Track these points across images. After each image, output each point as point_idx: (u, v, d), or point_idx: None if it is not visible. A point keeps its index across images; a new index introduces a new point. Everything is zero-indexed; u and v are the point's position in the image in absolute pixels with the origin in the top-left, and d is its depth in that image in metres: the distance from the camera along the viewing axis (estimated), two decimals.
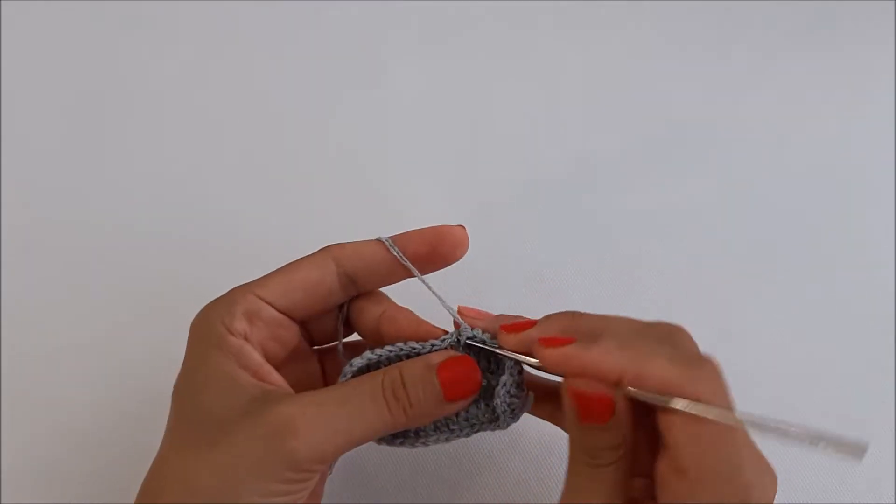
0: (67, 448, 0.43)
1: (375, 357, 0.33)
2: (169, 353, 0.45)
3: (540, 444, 0.42)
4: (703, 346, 0.46)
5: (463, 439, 0.34)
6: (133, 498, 0.43)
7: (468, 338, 0.33)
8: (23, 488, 0.43)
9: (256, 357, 0.32)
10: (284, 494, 0.29)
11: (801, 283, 0.48)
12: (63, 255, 0.48)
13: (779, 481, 0.44)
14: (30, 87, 0.54)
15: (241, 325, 0.32)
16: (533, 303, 0.46)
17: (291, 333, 0.34)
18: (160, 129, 0.53)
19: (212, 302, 0.33)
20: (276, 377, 0.32)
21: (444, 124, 0.53)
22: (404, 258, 0.33)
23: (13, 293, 0.47)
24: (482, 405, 0.33)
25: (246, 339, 0.32)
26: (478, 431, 0.34)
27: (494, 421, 0.33)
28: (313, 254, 0.34)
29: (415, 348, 0.33)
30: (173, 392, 0.33)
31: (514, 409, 0.33)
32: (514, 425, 0.34)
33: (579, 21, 0.57)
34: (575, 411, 0.29)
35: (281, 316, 0.33)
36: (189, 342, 0.33)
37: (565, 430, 0.33)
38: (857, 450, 0.27)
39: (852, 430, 0.44)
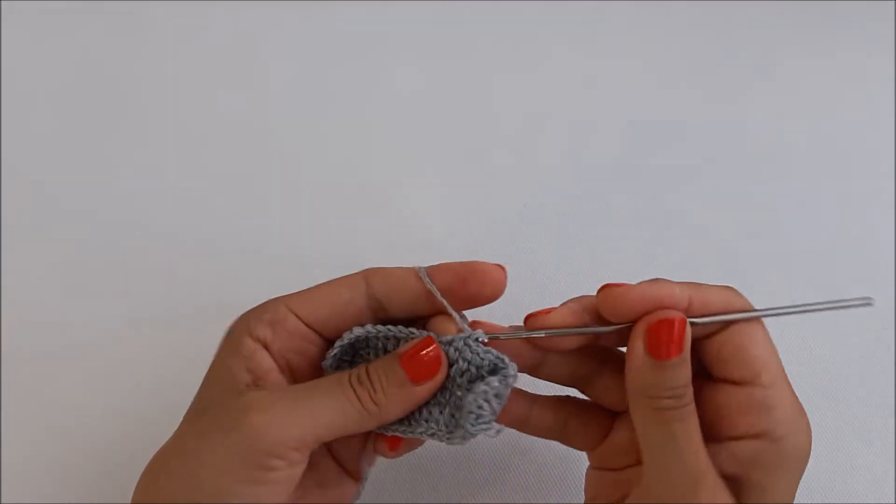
0: (67, 448, 0.43)
1: (375, 331, 0.32)
2: (169, 351, 0.46)
3: (547, 448, 0.42)
4: None
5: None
6: (130, 497, 0.43)
7: (474, 339, 0.32)
8: (23, 488, 0.43)
9: (266, 363, 0.32)
10: (254, 483, 0.29)
11: (801, 283, 0.48)
12: (63, 254, 0.48)
13: None
14: (30, 87, 0.54)
15: (263, 331, 0.32)
16: (529, 302, 0.46)
17: (318, 349, 0.34)
18: (161, 128, 0.53)
19: (252, 308, 0.33)
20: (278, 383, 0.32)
21: (445, 125, 0.53)
22: (434, 289, 0.32)
23: (13, 293, 0.47)
24: (447, 413, 0.32)
25: (265, 345, 0.32)
26: (439, 439, 0.32)
27: (454, 431, 0.32)
28: (351, 274, 0.34)
29: (413, 333, 0.32)
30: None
31: (480, 417, 0.31)
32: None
33: (579, 21, 0.57)
34: (648, 349, 0.30)
35: (306, 329, 0.33)
36: (220, 344, 0.33)
37: (566, 443, 0.35)
38: (863, 301, 0.33)
39: (853, 428, 0.44)
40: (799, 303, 0.33)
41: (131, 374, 0.45)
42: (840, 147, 0.53)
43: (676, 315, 0.30)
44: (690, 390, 0.30)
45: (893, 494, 0.43)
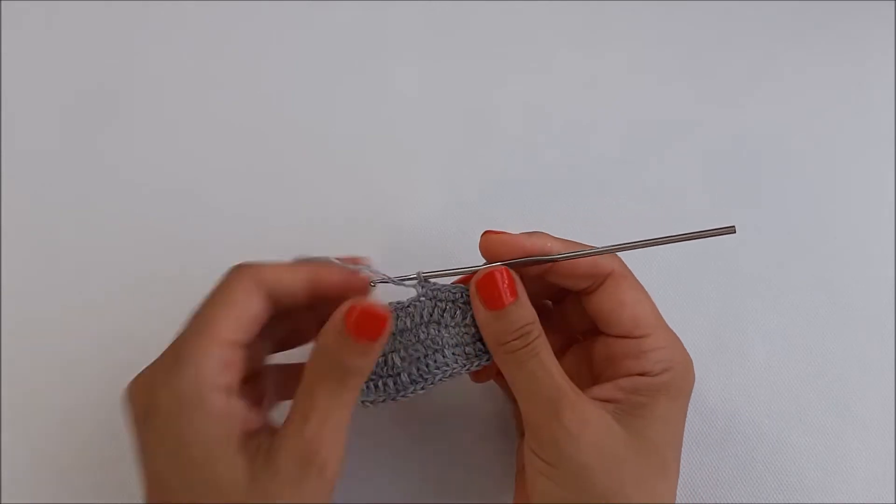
0: (67, 448, 0.43)
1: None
2: None
3: None
4: (703, 347, 0.46)
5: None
6: (130, 497, 0.43)
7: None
8: (23, 488, 0.43)
9: (242, 408, 0.31)
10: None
11: (802, 283, 0.48)
12: (63, 254, 0.48)
13: (778, 481, 0.44)
14: (30, 86, 0.54)
15: (224, 377, 0.31)
16: None
17: (260, 354, 0.36)
18: (159, 128, 0.53)
19: (157, 369, 0.31)
20: (263, 420, 0.33)
21: (444, 121, 0.53)
22: (365, 267, 0.35)
23: (13, 292, 0.47)
24: (458, 350, 0.36)
25: (230, 391, 0.31)
26: (450, 376, 0.36)
27: (467, 364, 0.36)
28: (236, 281, 0.33)
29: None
30: (163, 492, 0.30)
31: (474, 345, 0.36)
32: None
33: (578, 20, 0.57)
34: (485, 304, 0.34)
35: (246, 349, 0.33)
36: (154, 423, 0.30)
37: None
38: (728, 230, 0.36)
39: (853, 428, 0.44)
40: (665, 236, 0.36)
41: (132, 373, 0.45)
42: (840, 147, 0.53)
43: (496, 267, 0.34)
44: (536, 326, 0.34)
45: (893, 494, 0.43)
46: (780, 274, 0.49)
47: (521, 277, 0.36)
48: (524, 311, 0.34)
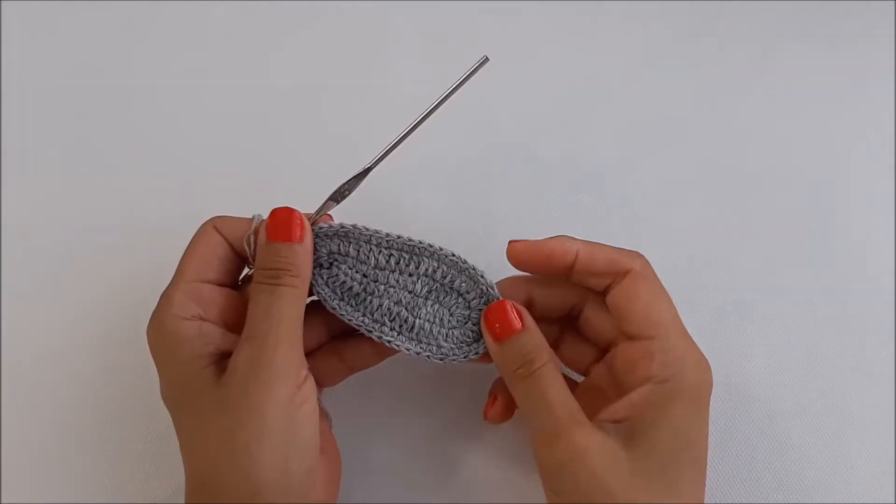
0: (67, 448, 0.43)
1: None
2: None
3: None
4: (703, 347, 0.46)
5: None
6: (130, 497, 0.43)
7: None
8: (23, 488, 0.43)
9: (214, 330, 0.35)
10: (303, 402, 0.33)
11: (802, 283, 0.48)
12: (63, 251, 0.48)
13: (778, 481, 0.44)
14: (30, 85, 0.54)
15: (191, 309, 0.34)
16: None
17: (240, 301, 0.36)
18: (160, 126, 0.53)
19: (152, 314, 0.35)
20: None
21: (444, 121, 0.53)
22: (251, 240, 0.36)
23: (13, 291, 0.47)
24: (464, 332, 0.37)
25: (202, 318, 0.35)
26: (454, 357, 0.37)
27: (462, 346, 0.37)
28: (199, 231, 0.37)
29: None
30: (165, 401, 0.35)
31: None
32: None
33: (578, 20, 0.57)
34: (493, 337, 0.35)
35: (219, 287, 0.36)
36: (154, 353, 0.35)
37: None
38: (482, 62, 0.38)
39: (853, 428, 0.44)
40: None
41: (132, 372, 0.45)
42: (840, 147, 0.53)
43: (504, 302, 0.36)
44: (542, 353, 0.35)
45: (893, 494, 0.43)
46: (781, 274, 0.49)
47: (547, 282, 0.38)
48: (530, 339, 0.35)
